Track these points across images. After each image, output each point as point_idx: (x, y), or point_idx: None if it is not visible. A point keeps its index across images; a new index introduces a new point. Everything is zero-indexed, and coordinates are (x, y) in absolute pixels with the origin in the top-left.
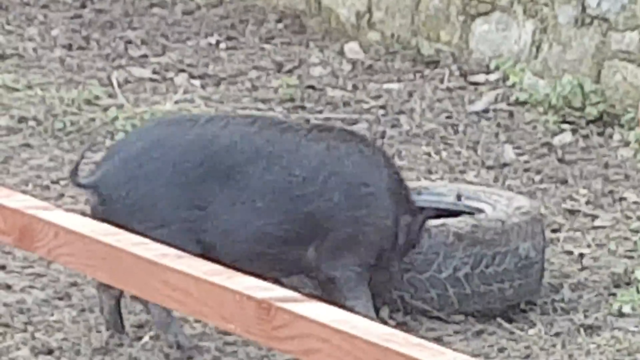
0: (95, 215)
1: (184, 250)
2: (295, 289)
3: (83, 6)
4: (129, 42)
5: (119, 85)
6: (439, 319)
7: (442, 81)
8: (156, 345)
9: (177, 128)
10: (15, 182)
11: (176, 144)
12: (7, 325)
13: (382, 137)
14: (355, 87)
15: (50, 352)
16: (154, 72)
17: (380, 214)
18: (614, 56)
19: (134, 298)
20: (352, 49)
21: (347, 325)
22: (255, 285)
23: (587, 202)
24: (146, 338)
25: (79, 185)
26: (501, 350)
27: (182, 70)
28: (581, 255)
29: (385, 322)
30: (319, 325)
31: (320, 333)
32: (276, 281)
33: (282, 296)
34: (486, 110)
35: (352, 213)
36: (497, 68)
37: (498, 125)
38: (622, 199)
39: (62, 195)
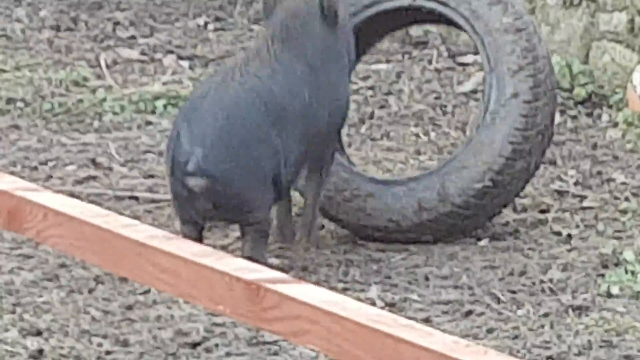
0: (203, 201)
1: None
2: (284, 270)
3: None
4: (117, 23)
5: (107, 67)
6: (428, 299)
7: (430, 62)
8: (144, 326)
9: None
10: (4, 164)
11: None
12: None
13: (371, 117)
14: None
15: (38, 333)
16: (142, 53)
17: None
18: (602, 37)
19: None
20: None
21: (337, 306)
22: (244, 266)
23: (576, 183)
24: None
25: (186, 174)
26: (490, 330)
27: (171, 52)
28: (569, 236)
29: (374, 303)
30: (308, 306)
31: (309, 314)
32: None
33: (271, 277)
34: (474, 91)
35: None
36: None
37: None
38: (610, 179)
39: (50, 177)
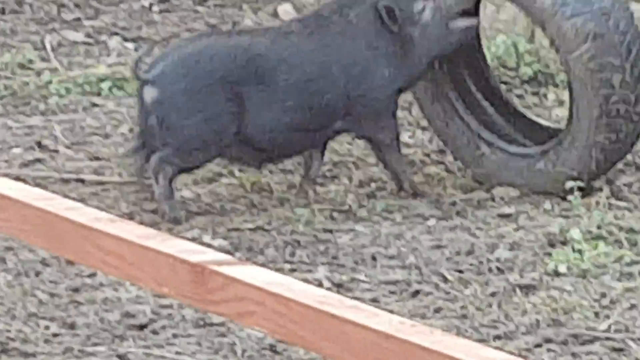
0: (148, 112)
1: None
2: (229, 252)
3: None
4: (62, 5)
5: (52, 49)
6: (375, 279)
7: None
8: (91, 308)
9: (218, 38)
10: None
11: (221, 48)
12: None
13: None
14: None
15: None
16: (87, 35)
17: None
18: None
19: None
20: (285, 10)
21: (282, 287)
22: (189, 248)
23: None
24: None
25: (140, 79)
26: (437, 310)
27: (116, 34)
28: (517, 214)
29: (321, 284)
30: (254, 288)
31: (254, 296)
32: (210, 246)
33: (216, 259)
34: None
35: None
36: None
37: None
38: None
39: None
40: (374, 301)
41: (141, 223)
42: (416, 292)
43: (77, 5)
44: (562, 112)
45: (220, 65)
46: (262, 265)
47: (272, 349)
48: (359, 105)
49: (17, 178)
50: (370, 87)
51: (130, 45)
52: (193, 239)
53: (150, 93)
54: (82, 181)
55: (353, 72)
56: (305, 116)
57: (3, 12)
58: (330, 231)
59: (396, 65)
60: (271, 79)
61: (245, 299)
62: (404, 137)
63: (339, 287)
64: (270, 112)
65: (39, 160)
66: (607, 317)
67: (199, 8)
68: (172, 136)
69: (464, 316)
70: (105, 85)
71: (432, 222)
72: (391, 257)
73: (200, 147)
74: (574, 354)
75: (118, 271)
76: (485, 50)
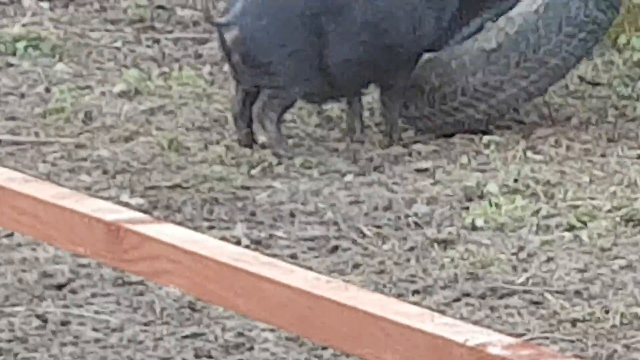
0: (230, 51)
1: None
2: (147, 211)
3: None
4: None
5: None
6: (294, 236)
7: None
8: (9, 268)
9: None
10: None
11: None
12: None
13: None
14: (205, 7)
15: None
16: None
17: None
18: None
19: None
20: None
21: (197, 245)
22: (104, 207)
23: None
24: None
25: (219, 24)
26: (356, 266)
27: None
28: (434, 169)
29: (239, 241)
30: (169, 246)
31: (170, 254)
32: (128, 204)
33: (131, 218)
34: None
35: None
36: None
37: None
38: None
39: None
40: (293, 258)
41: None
42: (334, 248)
43: None
44: None
45: (299, 0)
46: (180, 223)
47: (191, 306)
48: (404, 50)
49: None
50: (420, 35)
51: (45, 4)
52: (110, 198)
53: (231, 34)
54: None
55: (413, 18)
56: (376, 52)
57: None
58: (248, 188)
59: (438, 20)
60: (348, 13)
61: (161, 257)
62: None
63: (257, 244)
64: (346, 46)
65: None
66: (525, 270)
67: None
68: (260, 75)
69: (383, 271)
70: (20, 45)
71: (349, 177)
72: (309, 214)
73: (290, 82)
74: (492, 308)
75: (33, 231)
76: None
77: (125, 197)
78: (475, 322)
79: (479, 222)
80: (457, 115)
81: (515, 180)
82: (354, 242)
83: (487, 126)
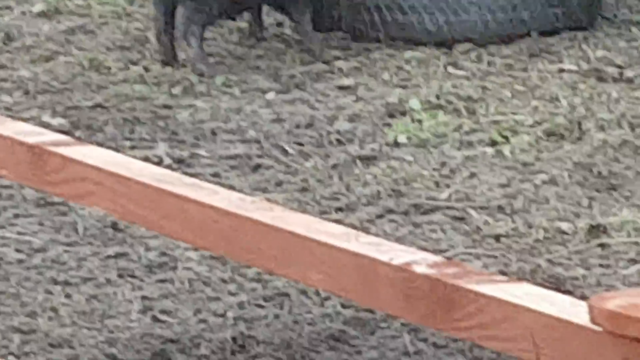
0: None
1: None
2: (68, 131)
3: None
4: None
5: None
6: (216, 154)
7: None
8: None
9: None
10: None
11: None
12: None
13: None
14: None
15: None
16: None
17: None
18: None
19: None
20: None
21: (120, 167)
22: (26, 130)
23: (359, 36)
24: None
25: None
26: (279, 183)
27: None
28: (356, 86)
29: (161, 160)
30: (92, 168)
31: (93, 176)
32: (49, 125)
33: (54, 140)
34: None
35: None
36: None
37: None
38: None
39: None
40: (215, 176)
41: None
42: (257, 166)
43: None
44: None
45: None
46: (102, 143)
47: (114, 226)
48: None
49: None
50: None
51: None
52: (32, 119)
53: None
54: None
55: None
56: None
57: None
58: (170, 107)
59: None
60: None
61: (84, 179)
62: None
63: (179, 162)
64: None
65: None
66: (448, 186)
67: None
68: None
69: (305, 189)
70: None
71: (271, 95)
72: (231, 132)
73: None
74: (415, 224)
75: None
76: None
77: (46, 118)
78: (399, 239)
79: (402, 139)
80: None
81: (437, 96)
82: (277, 160)
83: None
